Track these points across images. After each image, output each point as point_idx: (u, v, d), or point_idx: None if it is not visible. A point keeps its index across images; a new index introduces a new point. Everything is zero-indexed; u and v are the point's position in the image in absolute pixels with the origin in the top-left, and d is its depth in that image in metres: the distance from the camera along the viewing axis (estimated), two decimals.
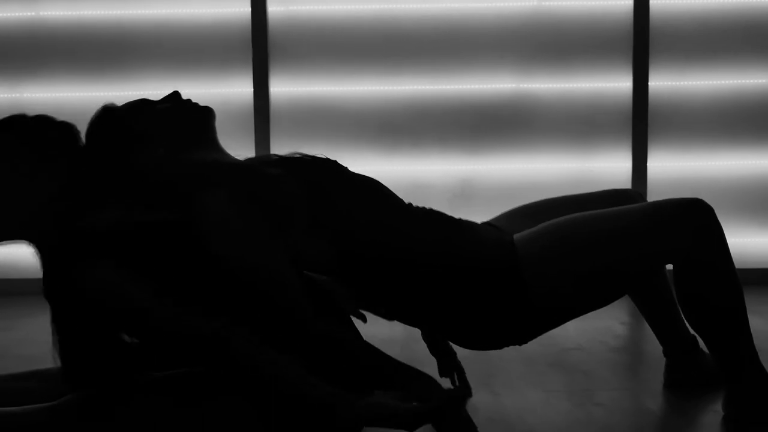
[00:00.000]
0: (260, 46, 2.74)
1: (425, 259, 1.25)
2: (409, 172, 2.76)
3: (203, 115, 1.27)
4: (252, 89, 2.76)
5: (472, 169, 2.77)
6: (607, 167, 2.76)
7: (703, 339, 1.32)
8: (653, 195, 2.75)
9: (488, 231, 1.36)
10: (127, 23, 2.78)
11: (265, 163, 1.26)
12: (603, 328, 2.04)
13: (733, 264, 1.28)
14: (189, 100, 1.28)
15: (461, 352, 1.83)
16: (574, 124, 2.75)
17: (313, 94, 2.78)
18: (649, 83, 2.71)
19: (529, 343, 1.90)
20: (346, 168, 1.31)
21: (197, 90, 2.79)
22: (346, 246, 1.24)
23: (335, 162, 1.30)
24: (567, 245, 1.24)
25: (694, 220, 1.24)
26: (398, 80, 2.76)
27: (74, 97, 2.79)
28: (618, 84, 2.73)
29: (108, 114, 1.27)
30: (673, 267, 1.29)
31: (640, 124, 2.72)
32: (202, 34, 2.78)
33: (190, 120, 1.26)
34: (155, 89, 2.78)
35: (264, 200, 1.16)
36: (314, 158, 1.27)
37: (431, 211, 1.33)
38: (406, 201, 1.33)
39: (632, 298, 1.54)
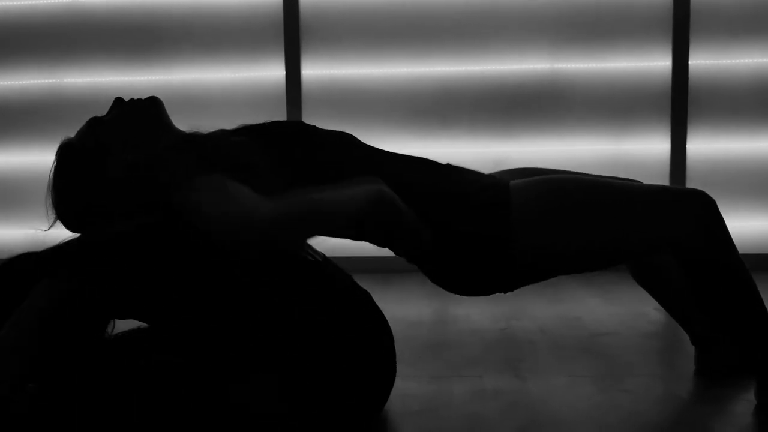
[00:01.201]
0: (292, 30, 2.75)
1: (409, 197, 1.25)
2: (440, 155, 2.66)
3: (150, 107, 1.29)
4: (284, 73, 2.77)
5: (504, 152, 2.73)
6: (644, 149, 2.69)
7: (724, 333, 1.30)
8: (692, 177, 2.67)
9: (482, 174, 1.36)
10: (162, 9, 2.80)
11: (228, 133, 1.29)
12: (636, 313, 2.00)
13: (737, 256, 1.25)
14: (132, 99, 1.31)
15: (488, 335, 1.83)
16: (609, 106, 2.69)
17: (344, 77, 2.77)
18: (689, 62, 2.63)
19: (559, 327, 1.90)
20: (314, 126, 1.35)
21: (229, 74, 2.82)
22: None
23: (302, 122, 1.36)
24: (563, 204, 1.24)
25: (693, 210, 1.22)
26: (429, 62, 2.73)
27: (111, 82, 2.85)
28: (656, 63, 2.65)
29: (68, 148, 1.30)
30: (678, 263, 1.26)
31: (680, 104, 2.64)
32: (234, 19, 2.79)
33: (141, 117, 1.28)
34: (189, 74, 2.83)
35: (230, 164, 1.18)
36: (281, 122, 1.33)
37: (414, 156, 1.36)
38: None
39: (646, 289, 1.51)
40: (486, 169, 2.69)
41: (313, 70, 2.78)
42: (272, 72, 2.79)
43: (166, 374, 1.19)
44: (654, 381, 1.47)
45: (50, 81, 2.87)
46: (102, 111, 2.92)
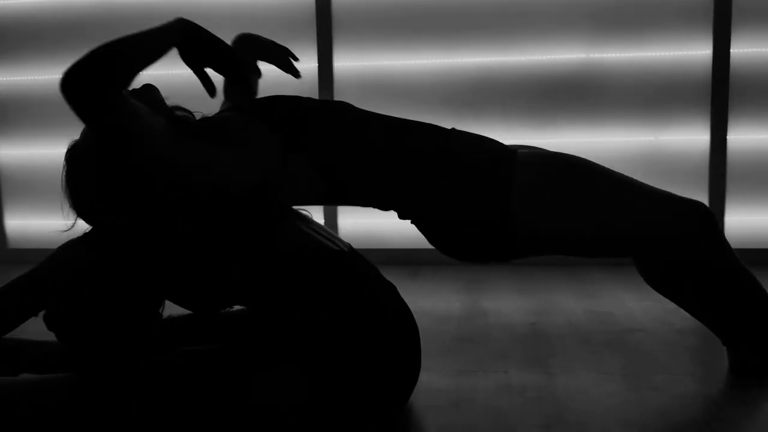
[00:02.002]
0: (324, 22, 2.75)
1: (409, 161, 1.26)
2: None
3: (146, 95, 1.34)
4: (316, 65, 2.78)
5: (537, 143, 2.69)
6: (682, 141, 2.63)
7: (740, 339, 1.34)
8: (733, 170, 2.59)
9: (488, 140, 1.36)
10: (195, 4, 2.84)
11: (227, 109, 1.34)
12: (669, 309, 1.94)
13: (735, 259, 1.29)
14: (128, 91, 1.33)
15: (516, 330, 1.81)
16: (646, 96, 2.62)
17: (376, 69, 2.76)
18: (731, 50, 2.54)
19: (589, 322, 1.87)
20: (309, 97, 1.38)
21: (262, 66, 2.84)
22: (330, 160, 1.27)
23: (297, 96, 1.38)
24: (568, 178, 1.24)
25: (692, 213, 1.26)
26: (461, 53, 2.70)
27: (145, 76, 2.89)
28: (696, 52, 2.58)
29: (74, 150, 1.33)
30: (676, 265, 1.29)
31: (720, 95, 2.56)
32: (267, 12, 2.81)
33: (145, 102, 1.32)
34: None
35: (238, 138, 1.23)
36: (278, 96, 1.37)
37: (415, 121, 1.37)
38: None
39: (667, 297, 1.48)
40: None
41: (345, 62, 2.78)
42: (305, 64, 2.80)
43: (165, 374, 1.22)
44: (685, 379, 1.44)
45: None
46: None
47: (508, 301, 2.14)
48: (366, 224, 2.80)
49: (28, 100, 2.99)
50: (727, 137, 2.58)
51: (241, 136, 1.24)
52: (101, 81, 1.11)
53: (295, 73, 1.51)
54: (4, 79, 3.00)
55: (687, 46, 2.58)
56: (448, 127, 1.41)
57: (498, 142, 1.38)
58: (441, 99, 2.73)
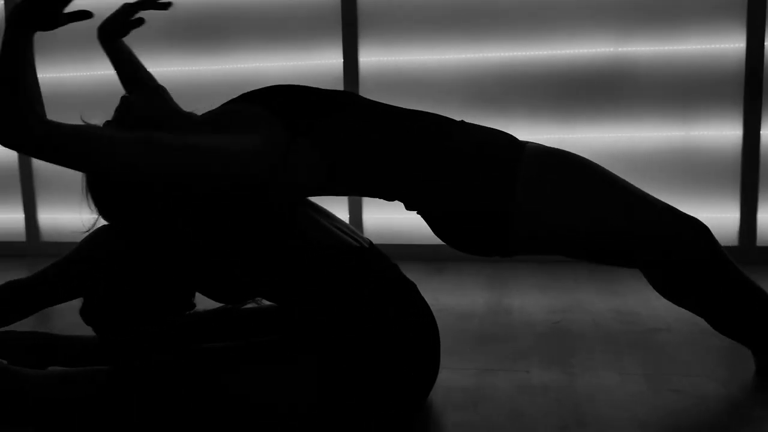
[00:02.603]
0: (350, 17, 2.75)
1: (415, 151, 1.26)
2: None
3: (154, 97, 1.36)
4: (342, 60, 2.78)
5: (564, 139, 2.67)
6: (714, 136, 2.57)
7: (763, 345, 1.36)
8: (767, 166, 2.54)
9: (497, 133, 1.36)
10: (219, 1, 2.87)
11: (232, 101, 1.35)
12: None
13: (736, 275, 1.29)
14: (136, 94, 1.37)
15: (539, 328, 1.79)
16: (677, 90, 2.57)
17: (402, 64, 2.76)
18: (765, 43, 2.48)
19: (614, 321, 1.85)
20: (317, 87, 1.37)
21: (288, 62, 2.86)
22: (334, 145, 1.26)
23: (303, 86, 1.37)
24: (573, 176, 1.25)
25: (689, 227, 1.27)
26: (487, 47, 2.68)
27: (176, 71, 2.93)
28: (729, 45, 2.51)
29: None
30: (676, 275, 1.30)
31: (754, 88, 2.50)
32: (293, 7, 2.82)
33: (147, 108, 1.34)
34: (248, 62, 2.89)
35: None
36: (281, 85, 1.36)
37: (423, 111, 1.37)
38: None
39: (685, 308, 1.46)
40: None
41: (370, 57, 2.78)
42: (330, 59, 2.81)
43: (163, 374, 1.24)
44: (709, 382, 1.42)
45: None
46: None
47: (533, 299, 2.13)
48: (390, 220, 2.80)
49: (59, 96, 3.05)
50: (761, 132, 2.52)
51: (246, 122, 1.24)
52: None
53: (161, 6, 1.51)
54: (41, 75, 3.06)
55: (720, 39, 2.52)
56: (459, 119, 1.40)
57: (507, 134, 1.37)
58: (466, 94, 2.72)
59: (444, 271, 2.54)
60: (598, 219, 1.23)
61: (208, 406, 1.22)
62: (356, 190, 1.31)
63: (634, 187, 1.31)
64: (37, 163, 3.10)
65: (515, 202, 1.22)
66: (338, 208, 2.69)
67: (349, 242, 1.34)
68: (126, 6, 1.52)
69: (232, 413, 1.22)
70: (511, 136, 1.37)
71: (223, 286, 1.39)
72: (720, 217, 2.59)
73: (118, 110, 1.36)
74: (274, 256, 1.28)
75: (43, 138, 1.06)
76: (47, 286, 1.44)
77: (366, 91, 2.78)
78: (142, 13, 1.55)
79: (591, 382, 1.43)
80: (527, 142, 1.34)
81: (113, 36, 1.56)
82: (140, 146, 1.09)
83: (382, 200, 1.36)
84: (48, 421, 1.27)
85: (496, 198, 1.23)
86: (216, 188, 1.25)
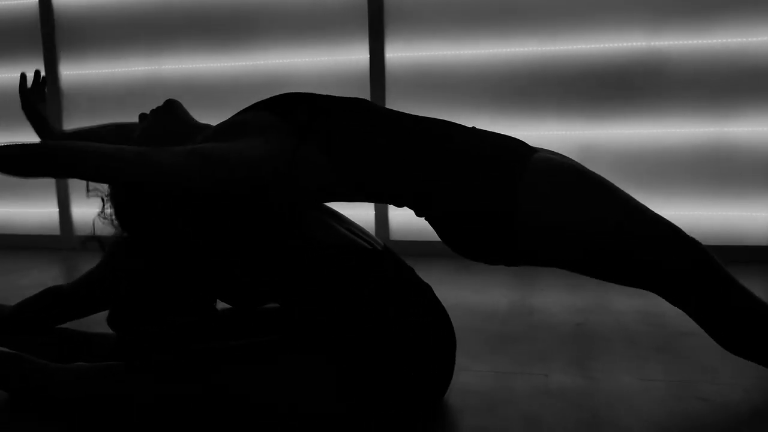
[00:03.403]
0: (376, 12, 2.74)
1: (423, 156, 1.25)
2: (526, 138, 2.63)
3: (167, 112, 1.40)
4: (368, 56, 2.77)
5: (594, 135, 2.62)
6: (749, 132, 2.49)
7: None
8: None
9: (507, 138, 1.33)
10: None
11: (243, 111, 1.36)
12: None
13: (739, 293, 1.24)
14: (153, 110, 1.41)
15: (562, 329, 1.76)
16: (712, 85, 2.50)
17: (428, 59, 2.74)
18: None
19: (639, 324, 1.81)
20: (329, 95, 1.38)
21: (315, 58, 2.86)
22: (342, 148, 1.26)
23: (310, 93, 1.37)
24: (579, 188, 1.21)
25: (691, 246, 1.23)
26: (515, 42, 2.64)
27: (205, 67, 2.96)
28: (765, 38, 2.43)
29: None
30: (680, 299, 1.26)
31: None
32: (320, 3, 2.82)
33: (162, 122, 1.39)
34: (276, 59, 2.89)
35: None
36: (289, 93, 1.36)
37: (434, 118, 1.35)
38: None
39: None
40: (574, 153, 2.60)
41: (396, 53, 2.76)
42: (357, 55, 2.80)
43: (163, 373, 1.26)
44: (735, 390, 1.37)
45: (151, 68, 3.03)
46: (197, 95, 3.08)
47: (557, 299, 2.10)
48: (416, 217, 2.79)
49: (92, 92, 3.11)
50: None
51: (254, 129, 1.26)
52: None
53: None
54: (70, 72, 3.13)
55: (755, 31, 2.44)
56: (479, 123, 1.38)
57: (519, 140, 1.35)
58: (494, 90, 2.68)
59: (470, 269, 2.52)
60: (599, 219, 1.21)
61: (208, 405, 1.24)
62: (363, 195, 1.31)
63: (646, 210, 1.28)
64: None
65: (517, 202, 1.19)
66: (364, 205, 2.69)
67: (359, 244, 1.33)
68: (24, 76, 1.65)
69: (232, 413, 1.23)
70: (523, 142, 1.35)
71: (228, 287, 1.40)
72: (753, 216, 2.51)
73: (154, 114, 1.40)
74: (272, 256, 1.28)
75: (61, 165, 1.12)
76: (81, 296, 1.49)
77: (392, 88, 2.77)
78: None
79: (611, 388, 1.40)
80: (539, 150, 1.32)
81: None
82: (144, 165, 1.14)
83: None
84: (72, 413, 1.31)
85: (497, 198, 1.21)
86: (224, 192, 1.26)
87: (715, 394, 1.35)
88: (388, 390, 1.23)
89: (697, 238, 1.27)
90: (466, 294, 2.16)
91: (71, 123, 3.15)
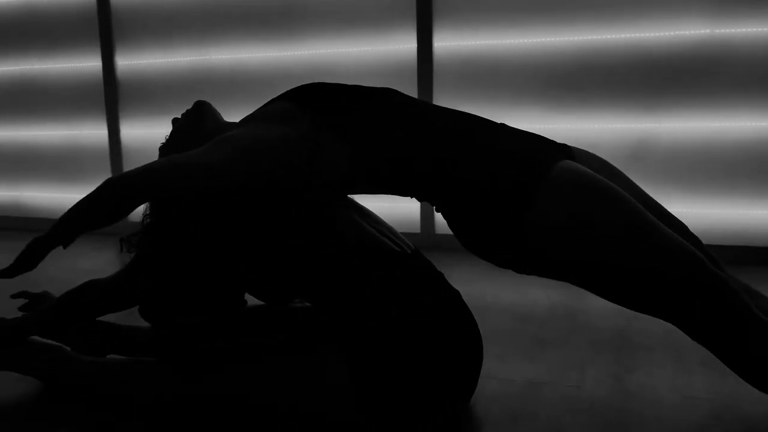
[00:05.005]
0: (424, 1, 2.67)
1: (437, 152, 1.20)
2: (577, 132, 2.54)
3: (196, 114, 1.41)
4: (416, 45, 2.71)
5: (650, 128, 2.48)
6: None
7: None
8: None
9: (537, 138, 1.26)
10: None
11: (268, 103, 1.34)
12: None
13: (758, 339, 1.11)
14: (183, 113, 1.42)
15: (602, 335, 1.67)
16: None
17: (477, 48, 2.65)
18: None
19: (684, 335, 1.70)
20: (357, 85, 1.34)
21: (362, 48, 2.81)
22: (362, 138, 1.23)
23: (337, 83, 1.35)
24: (601, 200, 1.11)
25: (713, 277, 1.11)
26: (567, 30, 2.52)
27: (253, 57, 2.96)
28: None
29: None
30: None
31: None
32: None
33: (191, 125, 1.40)
34: (324, 48, 2.87)
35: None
36: (313, 83, 1.34)
37: (463, 112, 1.30)
38: None
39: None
40: (628, 148, 2.47)
41: (445, 42, 2.69)
42: (404, 45, 2.74)
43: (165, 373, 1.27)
44: None
45: (199, 58, 3.05)
46: (246, 85, 3.08)
47: (602, 301, 1.99)
48: None
49: (146, 82, 3.17)
50: None
51: (276, 118, 1.25)
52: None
53: None
54: (126, 62, 3.19)
55: None
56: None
57: (549, 141, 1.27)
58: (545, 80, 2.58)
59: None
60: (619, 224, 1.12)
61: (209, 405, 1.25)
62: (383, 186, 1.26)
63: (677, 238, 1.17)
64: (126, 144, 3.25)
65: (535, 206, 1.12)
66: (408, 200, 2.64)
67: (390, 246, 1.30)
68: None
69: (231, 413, 1.23)
70: (552, 143, 1.28)
71: (256, 283, 1.39)
72: None
73: (186, 117, 1.42)
74: (277, 255, 1.27)
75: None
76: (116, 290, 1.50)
77: (440, 78, 2.70)
78: None
79: (647, 404, 1.31)
80: (571, 149, 1.24)
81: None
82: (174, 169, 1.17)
83: None
84: (102, 404, 1.35)
85: (512, 198, 1.14)
86: (252, 185, 1.25)
87: (760, 414, 1.25)
88: (397, 393, 1.19)
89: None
90: (506, 293, 2.09)
91: (126, 112, 3.23)
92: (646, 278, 1.12)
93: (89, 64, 3.25)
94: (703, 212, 2.43)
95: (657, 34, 2.42)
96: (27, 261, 1.15)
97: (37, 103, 3.40)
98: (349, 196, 1.43)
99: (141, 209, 1.43)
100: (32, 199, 3.46)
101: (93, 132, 3.31)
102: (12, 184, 3.52)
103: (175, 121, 1.45)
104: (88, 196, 1.16)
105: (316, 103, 1.26)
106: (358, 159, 1.23)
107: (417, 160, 1.22)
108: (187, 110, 1.43)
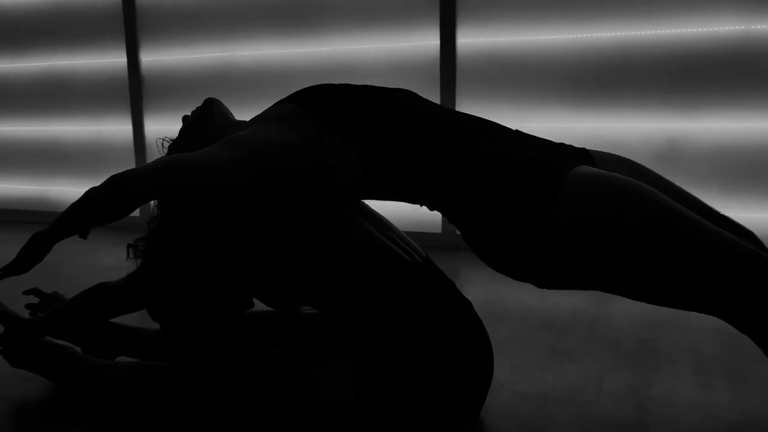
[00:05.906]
0: None
1: (451, 161, 1.15)
2: (605, 131, 2.46)
3: (204, 112, 1.39)
4: (438, 42, 2.65)
5: (681, 128, 2.38)
6: None
7: None
8: None
9: (557, 144, 1.20)
10: None
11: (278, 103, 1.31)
12: None
13: None
14: (193, 111, 1.41)
15: (625, 346, 1.61)
16: None
17: (501, 45, 2.58)
18: None
19: (715, 345, 1.62)
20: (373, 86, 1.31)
21: (384, 44, 2.76)
22: (374, 151, 1.19)
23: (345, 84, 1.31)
24: (620, 207, 1.02)
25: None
26: (594, 26, 2.44)
27: (276, 54, 2.94)
28: None
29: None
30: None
31: None
32: None
33: (198, 122, 1.39)
34: (345, 45, 2.83)
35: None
36: (319, 85, 1.31)
37: (479, 117, 1.25)
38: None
39: None
40: (657, 148, 2.38)
41: (468, 38, 2.63)
42: (427, 41, 2.69)
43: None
44: None
45: (222, 54, 3.04)
46: (268, 82, 3.06)
47: (626, 308, 1.92)
48: None
49: (170, 78, 3.17)
50: None
51: (281, 119, 1.23)
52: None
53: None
54: (150, 58, 3.20)
55: None
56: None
57: (568, 146, 1.21)
58: (571, 78, 2.50)
59: None
60: (655, 217, 1.03)
61: (211, 406, 1.24)
62: (393, 192, 1.22)
63: (711, 227, 1.08)
64: (150, 139, 3.26)
65: (554, 205, 1.05)
66: None
67: (399, 255, 1.26)
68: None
69: (233, 415, 1.22)
70: (570, 148, 1.21)
71: (263, 287, 1.36)
72: None
73: (195, 115, 1.40)
74: (285, 259, 1.25)
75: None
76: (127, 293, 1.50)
77: (463, 75, 2.64)
78: None
79: (666, 423, 1.25)
80: (591, 154, 1.18)
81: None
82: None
83: None
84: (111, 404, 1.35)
85: (530, 204, 1.08)
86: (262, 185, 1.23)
87: None
88: (403, 405, 1.15)
89: None
90: (527, 297, 2.03)
91: (151, 107, 3.24)
92: (689, 262, 1.03)
93: (115, 60, 3.27)
94: (737, 216, 2.33)
95: (689, 30, 2.32)
96: (32, 256, 1.15)
97: (64, 99, 3.43)
98: (362, 201, 1.39)
99: (147, 213, 1.42)
100: (60, 193, 3.50)
101: (118, 128, 3.33)
102: (40, 179, 3.56)
103: (184, 119, 1.43)
104: (94, 189, 1.15)
105: (323, 105, 1.23)
106: (365, 162, 1.19)
107: (426, 166, 1.17)
108: (197, 107, 1.41)
